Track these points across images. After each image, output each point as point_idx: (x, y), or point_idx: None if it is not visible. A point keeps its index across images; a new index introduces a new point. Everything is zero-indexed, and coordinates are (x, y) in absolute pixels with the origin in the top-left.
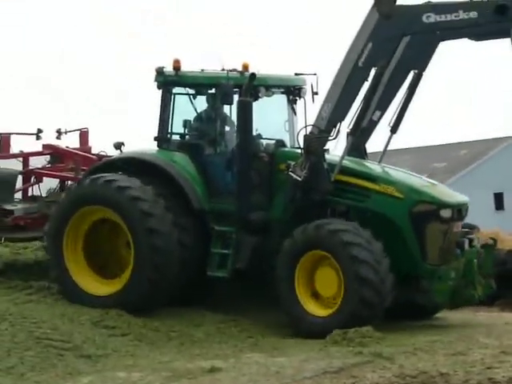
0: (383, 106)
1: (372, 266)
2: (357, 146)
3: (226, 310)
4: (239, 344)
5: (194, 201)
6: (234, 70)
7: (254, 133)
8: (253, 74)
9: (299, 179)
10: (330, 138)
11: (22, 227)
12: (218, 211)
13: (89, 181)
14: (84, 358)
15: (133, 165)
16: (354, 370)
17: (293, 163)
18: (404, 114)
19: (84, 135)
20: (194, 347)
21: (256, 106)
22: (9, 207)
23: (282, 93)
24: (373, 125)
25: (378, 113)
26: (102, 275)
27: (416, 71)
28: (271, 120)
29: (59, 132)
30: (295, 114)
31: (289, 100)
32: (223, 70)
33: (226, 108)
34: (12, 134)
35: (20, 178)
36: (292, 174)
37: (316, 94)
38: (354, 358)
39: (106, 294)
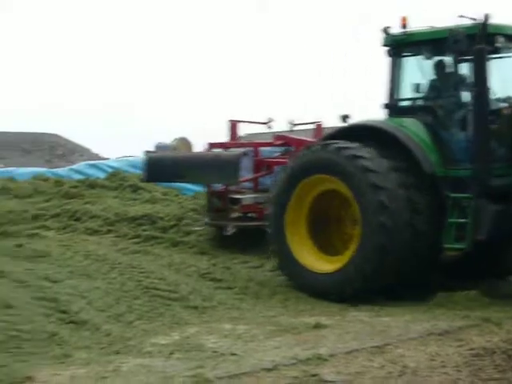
0: None
1: None
2: None
3: None
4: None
5: (426, 166)
6: (469, 17)
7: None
8: (487, 15)
9: None
10: None
11: (251, 217)
12: (454, 177)
13: (318, 147)
14: (190, 308)
15: (363, 133)
16: (460, 333)
17: None
18: None
19: (319, 128)
20: (299, 303)
21: (498, 68)
22: (237, 196)
23: None
24: None
25: None
26: (324, 251)
27: None
28: None
29: (291, 123)
30: None
31: None
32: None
33: (461, 67)
34: (241, 121)
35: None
36: None
37: None
38: (460, 321)
39: (327, 271)
